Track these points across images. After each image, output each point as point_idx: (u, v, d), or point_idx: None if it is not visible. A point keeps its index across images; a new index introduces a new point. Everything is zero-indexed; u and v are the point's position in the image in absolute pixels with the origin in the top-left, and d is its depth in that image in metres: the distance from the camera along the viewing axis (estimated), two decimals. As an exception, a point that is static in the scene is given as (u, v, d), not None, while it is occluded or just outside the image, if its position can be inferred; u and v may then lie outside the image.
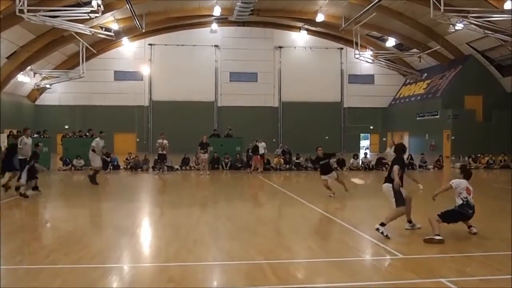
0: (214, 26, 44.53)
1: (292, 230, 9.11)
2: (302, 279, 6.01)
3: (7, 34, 31.63)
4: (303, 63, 46.69)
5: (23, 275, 6.05)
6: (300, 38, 46.89)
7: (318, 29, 44.31)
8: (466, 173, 8.41)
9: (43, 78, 40.79)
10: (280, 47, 46.91)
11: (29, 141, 14.27)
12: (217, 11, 36.87)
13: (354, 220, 10.04)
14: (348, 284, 5.76)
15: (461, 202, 8.04)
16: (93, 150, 16.45)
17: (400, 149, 9.13)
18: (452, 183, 8.20)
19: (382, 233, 7.97)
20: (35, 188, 13.75)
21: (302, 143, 35.67)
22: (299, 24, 44.73)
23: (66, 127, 39.97)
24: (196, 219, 10.30)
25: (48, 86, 41.92)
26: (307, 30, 45.82)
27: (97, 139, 16.93)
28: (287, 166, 24.36)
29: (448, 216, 7.97)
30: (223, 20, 43.57)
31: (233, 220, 10.25)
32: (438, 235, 7.63)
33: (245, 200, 13.88)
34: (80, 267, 6.34)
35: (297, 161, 24.71)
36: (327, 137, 44.60)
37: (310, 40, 46.96)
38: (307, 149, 27.43)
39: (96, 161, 16.61)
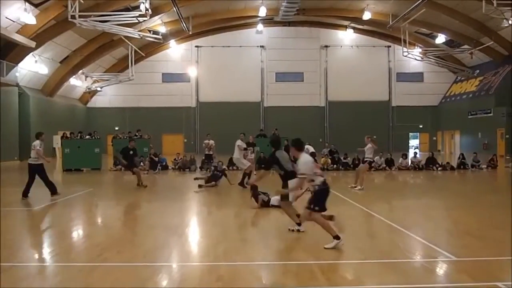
0: (260, 26, 44.67)
1: (340, 231, 8.97)
2: (352, 280, 5.90)
3: (60, 39, 32.81)
4: (350, 62, 46.11)
5: (77, 273, 6.21)
6: (346, 37, 46.34)
7: (365, 27, 43.67)
8: None
9: (94, 81, 42.06)
10: (326, 46, 46.51)
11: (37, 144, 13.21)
12: (262, 12, 36.93)
13: (403, 220, 9.81)
14: (400, 286, 5.62)
15: None
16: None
17: (275, 141, 8.85)
18: None
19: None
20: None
21: (349, 142, 35.21)
22: (346, 22, 44.18)
23: (116, 128, 40.99)
24: (243, 218, 10.33)
25: (99, 89, 43.17)
26: (354, 28, 45.23)
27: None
28: (334, 166, 24.10)
29: None
30: (268, 21, 43.62)
31: (281, 220, 10.20)
32: None
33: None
34: (132, 265, 6.46)
35: (345, 161, 24.40)
36: (375, 137, 43.62)
37: (356, 38, 46.34)
38: (354, 149, 27.10)
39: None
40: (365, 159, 16.96)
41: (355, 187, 15.81)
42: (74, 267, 6.50)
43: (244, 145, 16.68)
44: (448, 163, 24.87)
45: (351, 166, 23.95)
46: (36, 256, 7.28)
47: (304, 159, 7.83)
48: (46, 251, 7.63)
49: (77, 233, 9.21)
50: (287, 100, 45.30)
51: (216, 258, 6.81)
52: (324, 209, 7.69)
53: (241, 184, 16.04)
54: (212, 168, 18.50)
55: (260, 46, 46.36)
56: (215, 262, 6.58)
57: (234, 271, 6.20)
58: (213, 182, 16.67)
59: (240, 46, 45.79)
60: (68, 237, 8.81)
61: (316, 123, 45.62)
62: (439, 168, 23.88)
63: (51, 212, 11.31)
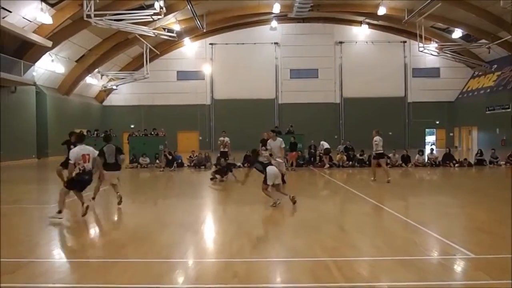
0: (274, 23, 44.62)
1: (356, 227, 8.95)
2: (369, 277, 5.85)
3: (76, 39, 33.10)
4: (365, 57, 45.87)
5: (95, 269, 6.27)
6: (361, 33, 46.09)
7: (380, 22, 43.36)
8: None
9: (110, 80, 42.39)
10: (341, 42, 46.32)
11: None
12: (276, 8, 36.86)
13: (420, 217, 9.72)
14: (417, 283, 5.56)
15: None
16: None
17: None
18: None
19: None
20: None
21: (364, 139, 35.01)
22: (360, 18, 43.92)
23: (132, 126, 41.30)
24: (259, 215, 10.32)
25: (114, 87, 43.50)
26: (369, 24, 44.97)
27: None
28: (350, 162, 23.98)
29: None
30: (282, 17, 43.56)
31: (296, 216, 10.20)
32: None
33: (308, 197, 13.74)
34: (148, 261, 6.50)
35: (361, 157, 24.25)
36: (390, 133, 43.56)
37: (371, 34, 46.07)
38: (370, 146, 26.93)
39: None
40: (377, 152, 17.49)
41: (375, 179, 16.94)
42: (92, 263, 6.56)
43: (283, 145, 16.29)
44: (465, 159, 24.58)
45: (367, 163, 23.76)
46: (54, 252, 7.35)
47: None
48: (64, 247, 7.71)
49: (94, 230, 9.29)
50: (302, 97, 45.22)
51: (231, 254, 6.81)
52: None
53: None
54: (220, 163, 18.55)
55: (274, 43, 46.32)
56: (230, 258, 6.58)
57: (249, 267, 6.19)
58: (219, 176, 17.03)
59: (254, 43, 45.79)
60: (86, 233, 8.89)
61: (331, 120, 45.49)
62: (456, 165, 23.63)
63: (68, 209, 11.40)
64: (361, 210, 11.11)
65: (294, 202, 11.18)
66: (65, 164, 13.04)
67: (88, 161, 9.92)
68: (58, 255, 7.16)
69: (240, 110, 44.44)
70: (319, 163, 23.87)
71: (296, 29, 45.99)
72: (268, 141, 16.24)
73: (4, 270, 6.02)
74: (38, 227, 9.45)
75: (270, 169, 11.32)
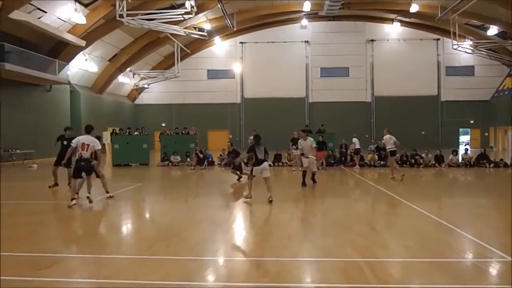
0: (304, 21, 44.43)
1: (388, 228, 8.83)
2: (402, 279, 5.76)
3: (109, 38, 33.64)
4: (397, 56, 45.23)
5: (128, 265, 6.35)
6: (393, 30, 45.49)
7: (412, 20, 42.69)
8: None
9: (141, 79, 42.92)
10: (372, 40, 45.80)
11: None
12: (307, 7, 36.67)
13: (453, 218, 9.55)
14: (452, 286, 5.45)
15: None
16: None
17: (255, 136, 12.17)
18: None
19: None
20: None
21: (397, 138, 34.63)
22: (392, 15, 43.33)
23: (163, 124, 41.71)
24: (289, 215, 10.28)
25: (146, 86, 44.03)
26: (401, 21, 44.33)
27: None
28: (381, 162, 23.68)
29: None
30: (313, 16, 43.34)
31: (327, 216, 10.13)
32: None
33: (339, 196, 13.65)
34: (180, 258, 6.55)
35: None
36: (423, 132, 42.98)
37: (403, 31, 45.39)
38: (402, 145, 26.55)
39: None
40: (389, 149, 18.40)
41: (393, 177, 17.74)
42: (125, 259, 6.65)
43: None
44: (501, 160, 23.97)
45: (399, 162, 23.43)
46: (88, 248, 7.47)
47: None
48: (97, 243, 7.82)
49: (127, 227, 9.42)
50: (332, 95, 44.93)
51: (262, 253, 6.81)
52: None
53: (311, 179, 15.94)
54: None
55: (305, 41, 46.13)
56: (261, 257, 6.58)
57: (280, 267, 6.17)
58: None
59: (285, 42, 45.69)
60: (119, 230, 9.02)
61: (362, 119, 45.03)
62: (492, 165, 23.08)
63: (101, 206, 11.60)
64: (392, 210, 10.96)
65: (270, 202, 11.60)
66: (57, 163, 13.89)
67: (86, 150, 11.02)
68: (91, 251, 7.27)
69: (270, 109, 44.42)
70: (350, 163, 23.65)
71: (327, 27, 45.68)
72: (299, 140, 16.21)
73: (40, 265, 6.17)
74: (71, 224, 9.64)
75: (261, 166, 11.92)
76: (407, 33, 45.39)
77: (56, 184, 14.39)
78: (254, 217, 10.36)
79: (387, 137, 18.54)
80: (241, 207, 11.96)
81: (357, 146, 23.59)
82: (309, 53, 46.30)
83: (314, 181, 15.91)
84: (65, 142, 13.80)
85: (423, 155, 23.62)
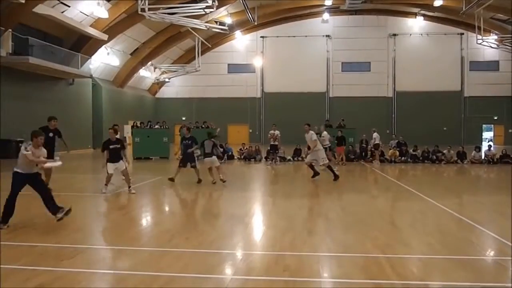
0: (326, 16, 44.10)
1: (409, 224, 8.74)
2: (423, 276, 5.70)
3: (130, 32, 33.88)
4: (419, 50, 44.62)
5: (148, 257, 6.41)
6: (416, 25, 44.86)
7: (435, 14, 42.04)
8: None
9: (162, 73, 43.14)
10: (395, 34, 45.24)
11: None
12: (328, 1, 36.43)
13: (475, 215, 9.42)
14: (473, 284, 5.37)
15: None
16: None
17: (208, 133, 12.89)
18: None
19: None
20: None
21: (418, 134, 34.30)
22: (415, 9, 42.74)
23: (183, 118, 41.87)
24: (309, 209, 10.27)
25: (167, 80, 44.24)
26: (424, 15, 43.68)
27: None
28: (402, 158, 23.46)
29: None
30: (334, 10, 43.00)
31: (347, 211, 10.07)
32: None
33: (359, 192, 13.56)
34: (199, 252, 6.59)
35: (414, 153, 23.66)
36: (445, 128, 42.42)
37: (426, 26, 44.72)
38: (423, 141, 26.33)
39: None
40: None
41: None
42: (145, 251, 6.71)
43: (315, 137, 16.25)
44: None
45: (420, 158, 23.21)
46: (109, 240, 7.57)
47: None
48: (118, 235, 7.91)
49: (147, 220, 9.50)
50: (353, 90, 44.58)
51: (282, 248, 6.80)
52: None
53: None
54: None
55: (326, 36, 45.79)
56: (281, 252, 6.57)
57: (300, 261, 6.16)
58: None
59: (306, 36, 45.42)
60: (139, 222, 9.12)
61: (383, 114, 44.57)
62: (515, 162, 22.66)
63: (122, 198, 11.72)
64: (413, 206, 10.85)
65: (214, 183, 14.08)
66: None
67: None
68: (113, 243, 7.37)
69: (291, 104, 44.24)
70: (371, 158, 23.48)
71: (349, 21, 45.27)
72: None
73: (63, 256, 6.28)
74: (94, 215, 9.76)
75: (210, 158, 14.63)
76: (430, 28, 44.72)
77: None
78: (273, 212, 10.35)
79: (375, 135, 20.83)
80: (260, 201, 11.98)
81: (377, 141, 23.40)
82: (330, 47, 45.95)
83: (316, 173, 15.91)
84: (50, 134, 12.41)
85: (445, 151, 23.32)
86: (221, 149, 24.05)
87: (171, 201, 12.24)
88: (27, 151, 7.92)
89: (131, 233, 7.98)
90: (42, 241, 7.06)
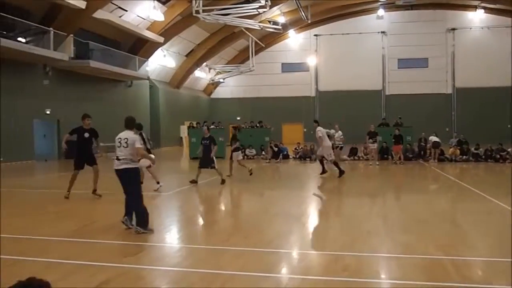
0: (381, 12, 43.19)
1: (472, 225, 8.43)
2: (488, 279, 5.47)
3: (185, 34, 34.52)
4: (480, 45, 42.88)
5: (207, 255, 6.50)
6: (476, 18, 43.15)
7: (497, 6, 40.30)
8: None
9: (217, 73, 43.65)
10: (453, 29, 43.75)
11: None
12: (384, -4, 35.72)
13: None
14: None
15: None
16: None
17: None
18: None
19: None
20: None
21: (480, 132, 33.00)
22: (475, 2, 41.15)
23: (238, 118, 42.20)
24: (367, 209, 10.10)
25: (221, 80, 44.72)
26: (485, 8, 41.92)
27: None
28: (464, 157, 22.64)
29: None
30: (389, 5, 42.10)
31: (407, 212, 9.84)
32: None
33: (418, 192, 13.22)
34: (258, 250, 6.60)
35: (476, 151, 22.76)
36: (509, 126, 40.60)
37: (487, 19, 42.90)
38: (486, 139, 25.33)
39: None
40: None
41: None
42: (204, 249, 6.82)
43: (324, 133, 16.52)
44: None
45: (483, 157, 22.32)
46: (171, 238, 7.73)
47: None
48: (179, 234, 8.08)
49: (206, 218, 9.64)
50: (410, 87, 43.46)
51: (341, 248, 6.71)
52: None
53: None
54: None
55: (381, 32, 44.90)
56: (340, 252, 6.49)
57: (360, 262, 6.07)
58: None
59: (360, 33, 44.71)
60: (198, 221, 9.26)
61: (442, 112, 43.19)
62: None
63: (180, 197, 11.95)
64: (476, 207, 10.46)
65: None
66: (78, 165, 11.09)
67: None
68: (174, 241, 7.53)
69: (345, 102, 43.67)
70: (429, 157, 22.81)
71: (404, 17, 44.19)
72: None
73: (127, 253, 6.48)
74: (156, 214, 9.98)
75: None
76: (492, 21, 42.87)
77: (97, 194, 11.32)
78: (331, 211, 10.26)
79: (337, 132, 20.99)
80: (317, 201, 11.91)
81: (435, 140, 22.68)
82: (385, 44, 45.03)
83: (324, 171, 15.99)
84: (86, 135, 11.07)
85: (509, 149, 22.33)
86: (276, 149, 24.10)
87: (228, 200, 12.37)
88: (141, 144, 7.91)
89: (191, 232, 8.13)
90: (105, 238, 7.31)
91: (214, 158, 14.07)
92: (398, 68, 44.82)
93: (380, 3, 40.02)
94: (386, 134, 23.28)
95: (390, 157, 22.96)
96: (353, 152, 24.06)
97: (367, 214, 9.45)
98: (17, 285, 1.86)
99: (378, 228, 8.19)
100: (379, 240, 7.30)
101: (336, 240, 7.24)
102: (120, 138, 7.76)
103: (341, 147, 21.13)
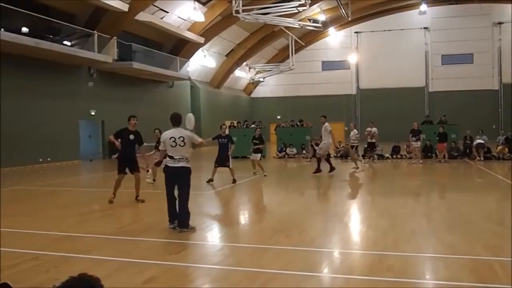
0: (423, 7, 42.15)
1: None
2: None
3: (225, 34, 34.77)
4: (529, 38, 41.32)
5: (250, 254, 6.53)
6: (525, 10, 41.61)
7: (547, -2, 38.82)
8: None
9: (257, 72, 43.73)
10: (500, 23, 42.31)
11: None
12: (426, -9, 34.94)
13: None
14: None
15: None
16: None
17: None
18: None
19: None
20: None
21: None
22: (524, -6, 39.76)
23: (278, 117, 42.16)
24: (411, 209, 9.92)
25: (261, 79, 44.77)
26: (533, 0, 40.46)
27: None
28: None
29: None
30: (432, 0, 41.14)
31: (453, 211, 9.59)
32: None
33: (464, 191, 12.88)
34: (300, 249, 6.57)
35: (524, 149, 21.94)
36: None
37: (538, 11, 41.28)
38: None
39: None
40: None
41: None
42: (247, 248, 6.86)
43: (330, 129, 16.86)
44: None
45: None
46: (213, 237, 7.81)
47: None
48: (221, 232, 8.15)
49: (247, 217, 9.68)
50: (455, 84, 42.35)
51: (385, 247, 6.60)
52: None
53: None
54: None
55: (424, 28, 43.96)
56: (384, 251, 6.38)
57: (404, 262, 5.96)
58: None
59: (402, 29, 43.91)
60: (239, 221, 9.30)
61: (489, 108, 41.87)
62: None
63: (221, 196, 12.04)
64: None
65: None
66: (122, 168, 10.66)
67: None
68: (216, 240, 7.60)
69: (387, 100, 42.97)
70: (474, 155, 22.14)
71: (448, 11, 43.08)
72: None
73: (171, 250, 6.57)
74: (197, 213, 10.09)
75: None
76: (542, 13, 41.31)
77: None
78: (374, 210, 10.11)
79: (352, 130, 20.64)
80: (359, 200, 11.76)
81: (479, 141, 21.93)
82: (428, 40, 44.06)
83: (319, 170, 16.25)
84: (131, 136, 10.62)
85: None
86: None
87: (270, 199, 12.37)
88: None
89: (233, 230, 8.17)
90: (149, 236, 7.45)
91: (230, 157, 14.14)
92: (442, 64, 43.81)
93: (422, -2, 39.19)
94: (430, 132, 22.79)
95: (434, 155, 22.44)
96: (395, 150, 23.65)
97: (410, 214, 9.28)
98: (69, 280, 1.99)
99: (422, 228, 8.03)
100: (424, 240, 7.14)
101: (380, 239, 7.12)
102: (174, 137, 7.56)
103: (356, 147, 20.79)
